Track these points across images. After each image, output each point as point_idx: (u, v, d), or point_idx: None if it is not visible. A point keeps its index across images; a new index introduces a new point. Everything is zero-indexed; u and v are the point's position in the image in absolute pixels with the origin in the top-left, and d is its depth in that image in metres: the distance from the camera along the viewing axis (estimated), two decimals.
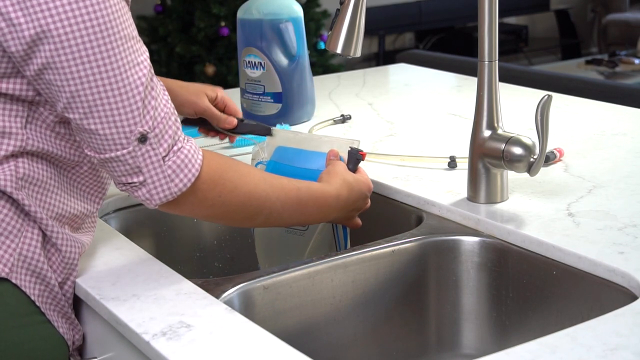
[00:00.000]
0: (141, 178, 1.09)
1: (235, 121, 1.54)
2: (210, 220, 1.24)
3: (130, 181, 1.10)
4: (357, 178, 1.34)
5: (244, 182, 1.18)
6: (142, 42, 1.10)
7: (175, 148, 1.10)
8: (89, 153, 1.10)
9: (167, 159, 1.09)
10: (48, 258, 1.13)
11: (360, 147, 1.39)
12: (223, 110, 1.55)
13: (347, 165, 1.36)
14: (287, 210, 1.24)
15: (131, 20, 1.09)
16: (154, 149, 1.08)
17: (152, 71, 1.10)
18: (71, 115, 1.07)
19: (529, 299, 1.23)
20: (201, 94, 1.54)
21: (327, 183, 1.30)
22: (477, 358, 0.94)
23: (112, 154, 1.08)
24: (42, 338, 1.13)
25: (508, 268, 1.26)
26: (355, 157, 1.37)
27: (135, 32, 1.09)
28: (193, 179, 1.11)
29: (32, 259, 1.11)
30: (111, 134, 1.07)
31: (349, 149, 1.38)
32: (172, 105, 1.12)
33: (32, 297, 1.12)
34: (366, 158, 1.40)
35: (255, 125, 1.52)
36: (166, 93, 1.13)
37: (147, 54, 1.10)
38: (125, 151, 1.08)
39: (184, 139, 1.12)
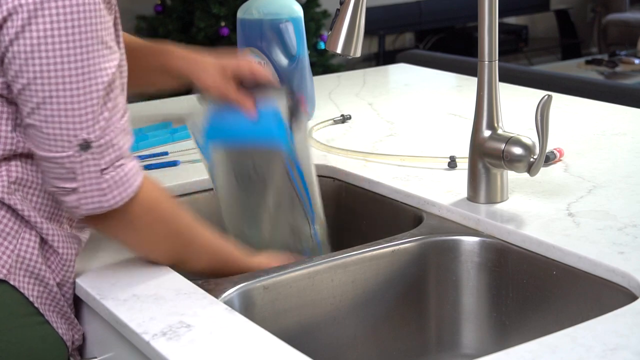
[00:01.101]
0: (74, 185, 1.07)
1: (255, 112, 1.35)
2: (128, 246, 1.19)
3: (62, 185, 1.08)
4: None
5: (172, 219, 1.17)
6: (116, 52, 1.08)
7: (117, 163, 1.08)
8: (30, 147, 1.08)
9: (105, 172, 1.07)
10: (46, 259, 1.13)
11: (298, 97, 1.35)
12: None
13: (290, 115, 1.32)
14: (201, 263, 1.22)
15: (108, 27, 1.06)
16: (94, 159, 1.06)
17: (118, 85, 1.08)
18: (22, 106, 1.05)
19: (529, 299, 1.23)
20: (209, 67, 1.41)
21: (249, 263, 1.25)
22: (477, 358, 0.94)
23: (51, 154, 1.06)
24: (40, 338, 1.13)
25: (508, 268, 1.26)
26: (295, 102, 1.33)
27: (110, 40, 1.06)
28: (127, 199, 1.09)
29: (30, 260, 1.11)
30: (54, 134, 1.04)
31: (286, 96, 1.34)
32: (129, 124, 1.10)
33: (31, 299, 1.12)
34: (366, 158, 1.39)
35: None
36: (127, 111, 1.10)
37: (116, 64, 1.07)
38: (64, 154, 1.05)
39: (129, 158, 1.09)
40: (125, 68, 1.15)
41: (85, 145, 1.05)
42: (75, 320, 1.19)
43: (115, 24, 1.13)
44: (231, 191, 1.39)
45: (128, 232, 1.15)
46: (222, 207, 1.42)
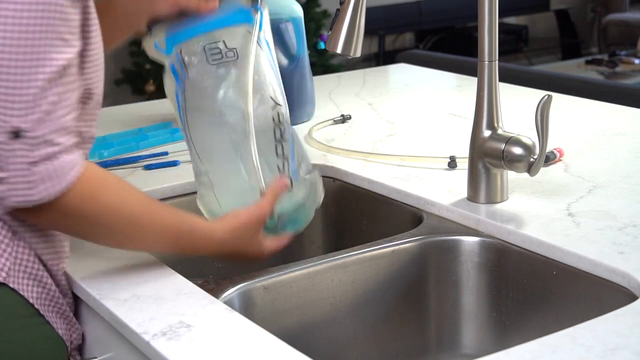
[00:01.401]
0: (2, 174, 1.02)
1: (216, 4, 1.31)
2: (71, 235, 1.17)
3: None
4: (247, 223, 1.22)
5: (118, 208, 1.11)
6: (73, 46, 1.04)
7: (52, 158, 1.03)
8: None
9: (35, 164, 1.02)
10: (42, 260, 1.13)
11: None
12: None
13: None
14: (158, 244, 1.18)
15: (66, 20, 1.03)
16: (24, 150, 1.01)
17: (72, 81, 1.05)
18: None
19: (529, 299, 1.23)
20: None
21: (214, 227, 1.21)
22: (477, 358, 0.94)
23: None
24: (41, 338, 1.13)
25: (508, 268, 1.26)
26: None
27: (67, 34, 1.03)
28: (57, 194, 1.04)
29: (27, 261, 1.11)
30: None
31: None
32: (71, 124, 1.05)
33: (31, 300, 1.11)
34: (366, 158, 1.38)
35: None
36: (74, 111, 1.06)
37: (69, 57, 1.04)
38: None
39: (67, 148, 1.04)
40: (92, 66, 1.11)
41: (16, 134, 1.00)
42: (74, 320, 1.19)
43: (85, 19, 1.09)
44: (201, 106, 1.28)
45: (66, 225, 1.11)
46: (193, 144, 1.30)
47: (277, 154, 1.26)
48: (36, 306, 1.12)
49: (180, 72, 1.28)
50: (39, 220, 1.10)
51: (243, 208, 1.22)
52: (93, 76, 1.13)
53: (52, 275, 1.15)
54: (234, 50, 1.26)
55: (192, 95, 1.27)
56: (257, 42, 1.29)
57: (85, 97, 1.14)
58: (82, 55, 1.10)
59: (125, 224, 1.12)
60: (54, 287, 1.14)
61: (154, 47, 1.31)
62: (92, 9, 1.10)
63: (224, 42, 1.27)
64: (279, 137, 1.26)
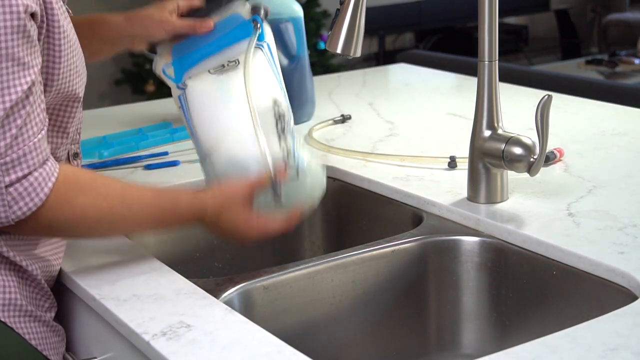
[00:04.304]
0: None
1: (211, 24, 1.34)
2: (57, 238, 1.20)
3: None
4: (232, 191, 1.22)
5: (95, 206, 1.12)
6: (32, 67, 1.05)
7: (27, 176, 1.05)
8: None
9: (11, 186, 1.04)
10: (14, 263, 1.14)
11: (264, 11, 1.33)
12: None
13: (253, 11, 1.31)
14: (144, 227, 1.20)
15: (26, 42, 1.04)
16: None
17: (36, 100, 1.05)
18: None
19: (529, 299, 1.23)
20: (161, 10, 1.38)
21: (197, 195, 1.22)
22: (477, 358, 0.94)
23: None
24: (5, 345, 1.13)
25: (508, 268, 1.26)
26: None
27: (26, 56, 1.04)
28: (34, 208, 1.06)
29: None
30: None
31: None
32: (42, 142, 1.07)
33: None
34: (366, 158, 1.39)
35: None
36: (44, 127, 1.07)
37: (30, 80, 1.04)
38: None
39: (39, 164, 1.06)
40: (67, 70, 1.13)
41: None
42: (53, 322, 1.18)
43: (48, 27, 1.10)
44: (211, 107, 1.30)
45: (49, 233, 1.14)
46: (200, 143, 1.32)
47: (280, 145, 1.27)
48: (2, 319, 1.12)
49: (185, 107, 1.31)
50: (22, 232, 1.12)
51: (236, 180, 1.23)
52: (72, 79, 1.14)
53: (27, 278, 1.15)
54: (236, 61, 1.29)
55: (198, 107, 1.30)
56: (259, 45, 1.31)
57: (70, 100, 1.14)
58: (53, 62, 1.11)
59: (105, 219, 1.14)
60: (19, 297, 1.14)
61: (163, 73, 1.34)
62: (55, 16, 1.10)
63: (227, 60, 1.30)
64: (280, 131, 1.28)
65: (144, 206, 1.16)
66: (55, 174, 1.07)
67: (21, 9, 1.02)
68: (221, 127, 1.27)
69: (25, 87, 1.04)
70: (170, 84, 1.33)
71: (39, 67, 1.08)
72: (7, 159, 1.03)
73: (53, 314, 1.20)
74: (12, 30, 1.02)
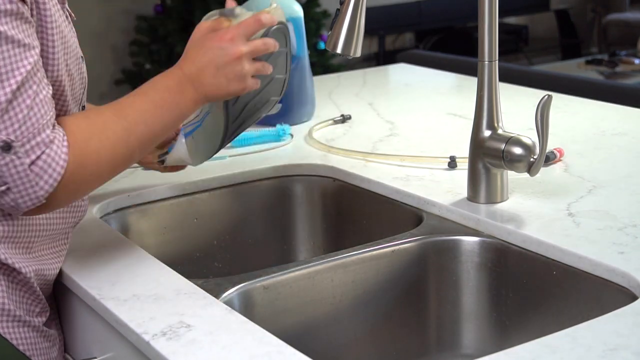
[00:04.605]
0: (3, 187, 1.04)
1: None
2: (93, 189, 1.18)
3: None
4: (207, 36, 1.18)
5: (105, 140, 1.11)
6: (33, 47, 1.05)
7: (44, 153, 1.04)
8: None
9: (32, 165, 1.04)
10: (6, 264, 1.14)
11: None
12: None
13: None
14: (153, 125, 1.15)
15: (22, 24, 1.04)
16: (19, 158, 1.03)
17: (40, 78, 1.05)
18: None
19: (529, 299, 1.23)
20: None
21: (171, 69, 1.19)
22: (477, 358, 0.94)
23: None
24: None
25: (508, 268, 1.26)
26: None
27: (25, 37, 1.04)
28: (59, 178, 1.05)
29: None
30: None
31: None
32: (50, 114, 1.06)
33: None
34: (366, 158, 1.38)
35: None
36: (51, 108, 1.07)
37: (33, 60, 1.04)
38: None
39: (51, 140, 1.05)
40: (58, 64, 1.12)
41: (7, 147, 1.02)
42: (42, 327, 1.18)
43: (40, 18, 1.09)
44: None
45: (82, 192, 1.13)
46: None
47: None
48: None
49: None
50: (55, 206, 1.10)
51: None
52: (63, 79, 1.13)
53: (17, 282, 1.15)
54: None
55: None
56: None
57: (65, 103, 1.14)
58: (46, 58, 1.10)
59: (118, 143, 1.12)
60: (7, 301, 1.13)
61: None
62: (47, 10, 1.10)
63: None
64: None
65: (137, 108, 1.14)
66: (65, 138, 1.07)
67: None
68: None
69: (29, 67, 1.04)
70: None
71: (39, 48, 1.07)
72: (24, 139, 1.03)
73: (44, 319, 1.19)
74: (6, 13, 1.02)
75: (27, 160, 1.03)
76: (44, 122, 1.05)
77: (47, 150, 1.04)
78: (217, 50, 1.16)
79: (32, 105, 1.04)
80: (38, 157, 1.04)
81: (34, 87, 1.04)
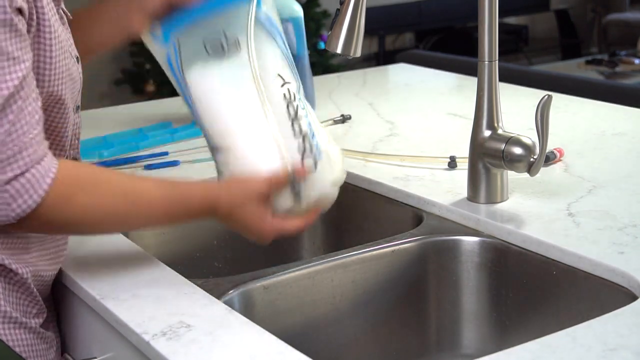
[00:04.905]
0: None
1: None
2: (63, 234, 1.19)
3: None
4: (255, 204, 1.16)
5: (99, 204, 1.09)
6: (23, 61, 1.03)
7: (24, 172, 1.02)
8: None
9: (9, 183, 1.01)
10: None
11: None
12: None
13: None
14: (152, 222, 1.17)
15: (14, 36, 1.02)
16: None
17: (27, 94, 1.03)
18: None
19: (529, 299, 1.23)
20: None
21: (208, 186, 1.20)
22: (477, 358, 0.94)
23: None
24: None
25: (508, 268, 1.26)
26: None
27: (15, 50, 1.02)
28: (34, 205, 1.03)
29: None
30: None
31: None
32: (38, 138, 1.04)
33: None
34: (366, 158, 1.37)
35: None
36: (40, 121, 1.05)
37: (21, 75, 1.02)
38: None
39: (36, 161, 1.03)
40: (56, 73, 1.11)
41: None
42: (39, 329, 1.17)
43: (38, 26, 1.08)
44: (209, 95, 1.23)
45: (52, 229, 1.12)
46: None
47: (294, 132, 1.20)
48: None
49: (175, 65, 1.24)
50: (25, 230, 1.10)
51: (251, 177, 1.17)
52: (64, 81, 1.12)
53: (14, 284, 1.14)
54: (236, 41, 1.22)
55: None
56: (259, 20, 1.23)
57: (63, 105, 1.13)
58: (44, 63, 1.09)
59: (109, 217, 1.11)
60: (3, 303, 1.12)
61: (151, 38, 1.27)
62: (45, 15, 1.09)
63: (224, 33, 1.22)
64: (292, 115, 1.21)
65: (151, 201, 1.13)
66: (54, 171, 1.05)
67: (6, 2, 1.00)
68: (230, 121, 1.21)
69: (16, 82, 1.02)
70: (157, 48, 1.25)
71: (31, 62, 1.06)
72: (3, 156, 1.01)
73: (41, 320, 1.18)
74: (4, 24, 1.00)
75: (4, 177, 1.01)
76: (26, 140, 1.02)
77: (27, 174, 1.02)
78: (253, 228, 1.17)
79: (15, 121, 1.01)
80: (18, 175, 1.02)
81: (19, 102, 1.02)
